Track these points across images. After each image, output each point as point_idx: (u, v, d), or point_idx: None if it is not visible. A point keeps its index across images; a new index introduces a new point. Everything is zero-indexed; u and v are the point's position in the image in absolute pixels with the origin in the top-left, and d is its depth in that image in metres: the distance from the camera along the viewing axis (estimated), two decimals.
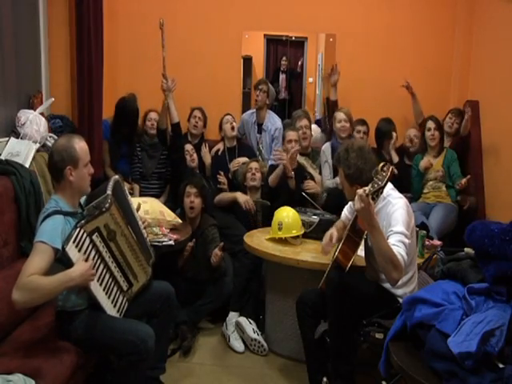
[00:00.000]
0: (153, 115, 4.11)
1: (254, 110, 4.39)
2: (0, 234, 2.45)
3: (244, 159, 4.03)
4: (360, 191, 2.07)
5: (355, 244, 2.35)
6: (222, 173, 4.00)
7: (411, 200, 3.79)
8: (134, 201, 2.65)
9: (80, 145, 2.21)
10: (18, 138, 2.94)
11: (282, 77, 5.03)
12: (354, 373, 2.38)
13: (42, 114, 3.12)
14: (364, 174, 2.35)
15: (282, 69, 5.01)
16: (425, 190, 4.06)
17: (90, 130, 3.52)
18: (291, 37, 4.87)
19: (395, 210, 2.30)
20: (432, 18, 4.60)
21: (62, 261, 2.01)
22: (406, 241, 2.24)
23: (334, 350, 2.37)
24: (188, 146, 4.02)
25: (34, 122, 2.99)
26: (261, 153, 4.30)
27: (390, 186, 2.41)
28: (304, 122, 4.14)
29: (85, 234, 2.05)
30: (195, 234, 3.42)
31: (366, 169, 2.36)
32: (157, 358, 2.43)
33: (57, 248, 1.99)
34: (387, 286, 2.40)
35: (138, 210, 2.54)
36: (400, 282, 2.37)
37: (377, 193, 2.11)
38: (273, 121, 4.31)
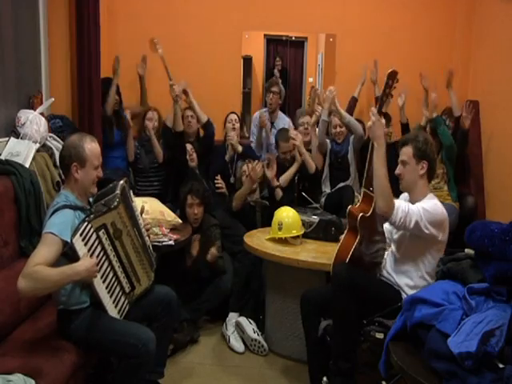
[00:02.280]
0: (151, 115, 4.12)
1: (266, 109, 4.44)
2: (0, 234, 2.45)
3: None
4: (372, 108, 2.37)
5: (355, 233, 2.43)
6: (219, 177, 3.99)
7: None
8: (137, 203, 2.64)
9: (90, 146, 2.23)
10: (18, 138, 2.93)
11: (277, 75, 5.02)
12: (355, 371, 2.37)
13: (42, 114, 3.11)
14: (431, 153, 2.43)
15: (278, 68, 5.01)
16: None
17: (90, 130, 3.52)
18: (291, 37, 4.87)
19: (432, 203, 2.35)
20: (432, 18, 4.60)
21: (67, 255, 2.02)
22: (416, 217, 2.26)
23: (336, 347, 2.37)
24: (188, 146, 4.04)
25: (34, 121, 2.99)
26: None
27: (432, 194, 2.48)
28: (306, 118, 4.21)
29: (92, 229, 2.06)
30: (196, 233, 3.43)
31: (433, 151, 2.45)
32: (156, 362, 2.42)
33: (65, 240, 2.01)
34: (401, 284, 2.42)
35: (142, 212, 2.54)
36: (413, 283, 2.39)
37: (385, 98, 2.42)
38: (284, 120, 4.39)
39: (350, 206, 2.56)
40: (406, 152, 2.45)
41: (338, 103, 3.98)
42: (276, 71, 4.97)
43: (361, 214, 2.42)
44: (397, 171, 2.48)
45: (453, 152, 3.98)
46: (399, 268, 2.45)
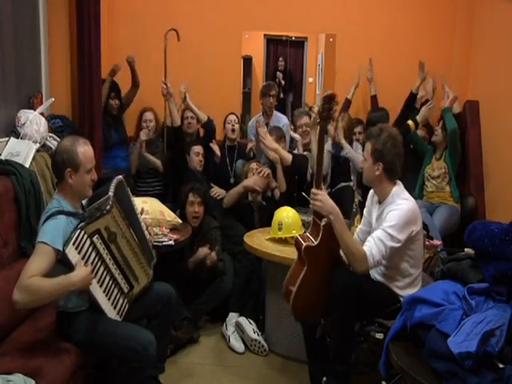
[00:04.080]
0: (148, 115, 4.12)
1: (260, 114, 4.43)
2: (0, 234, 2.45)
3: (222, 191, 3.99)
4: (312, 190, 2.31)
5: (302, 262, 2.37)
6: (214, 187, 3.95)
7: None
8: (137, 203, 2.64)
9: (83, 150, 2.17)
10: (18, 138, 2.93)
11: (280, 75, 5.04)
12: (350, 373, 2.36)
13: (42, 114, 3.11)
14: (389, 156, 2.35)
15: (279, 69, 5.02)
16: (429, 189, 4.08)
17: (90, 130, 3.52)
18: (291, 37, 4.87)
19: (395, 210, 2.30)
20: (432, 18, 4.61)
21: (63, 262, 2.01)
22: (389, 243, 2.24)
23: (334, 350, 2.36)
24: (199, 148, 3.98)
25: (34, 122, 2.99)
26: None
27: (400, 186, 2.42)
28: (304, 119, 4.17)
29: (85, 236, 2.05)
30: (197, 235, 3.42)
31: (392, 152, 2.36)
32: (156, 359, 2.42)
33: (58, 249, 2.00)
34: (392, 286, 2.41)
35: (141, 214, 2.54)
36: (402, 284, 2.39)
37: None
38: (279, 119, 4.36)
39: (297, 235, 2.45)
40: (367, 148, 2.43)
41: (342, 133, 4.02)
42: (279, 73, 4.98)
43: (304, 245, 2.32)
44: (359, 163, 2.44)
45: (455, 140, 3.95)
46: (386, 273, 2.44)
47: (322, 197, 2.30)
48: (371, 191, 2.56)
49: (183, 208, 3.47)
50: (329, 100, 2.33)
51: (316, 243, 2.34)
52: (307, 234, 2.43)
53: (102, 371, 2.48)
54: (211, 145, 4.10)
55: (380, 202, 2.45)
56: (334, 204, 2.31)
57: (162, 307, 2.48)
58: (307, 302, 2.37)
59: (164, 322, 2.50)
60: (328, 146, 4.04)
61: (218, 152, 4.10)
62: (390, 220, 2.27)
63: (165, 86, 3.86)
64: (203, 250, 3.33)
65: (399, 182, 2.43)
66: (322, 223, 2.35)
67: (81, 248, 2.03)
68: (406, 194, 2.40)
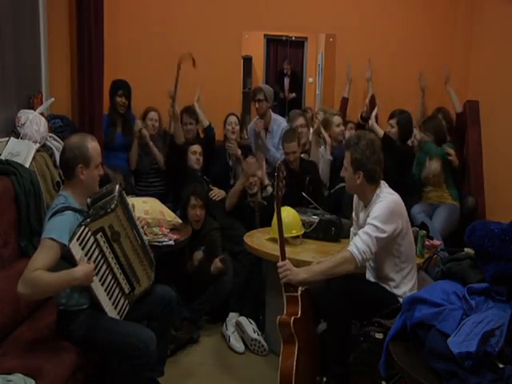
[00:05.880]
0: (152, 115, 4.11)
1: (258, 117, 4.42)
2: (0, 234, 2.45)
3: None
4: (278, 264, 2.38)
5: (292, 342, 2.34)
6: (214, 189, 3.94)
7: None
8: (132, 201, 2.65)
9: (92, 145, 2.22)
10: (18, 138, 2.94)
11: (287, 80, 5.04)
12: (349, 373, 2.37)
13: (42, 114, 3.12)
14: (369, 163, 2.36)
15: (285, 72, 5.02)
16: (427, 189, 4.07)
17: (90, 130, 3.53)
18: (291, 37, 4.88)
19: (379, 202, 2.34)
20: (432, 18, 4.61)
21: (66, 259, 2.02)
22: (374, 234, 2.26)
23: (330, 352, 2.36)
24: (197, 147, 3.99)
25: (34, 122, 2.99)
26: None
27: (384, 185, 2.44)
28: (300, 120, 4.16)
29: (89, 233, 2.06)
30: (197, 236, 3.42)
31: (372, 159, 2.36)
32: (156, 361, 2.41)
33: (64, 244, 2.01)
34: (387, 286, 2.41)
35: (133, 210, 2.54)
36: (396, 280, 2.40)
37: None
38: (278, 122, 4.34)
39: (278, 317, 2.36)
40: (346, 157, 2.43)
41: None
42: (286, 79, 4.98)
43: (293, 319, 2.29)
44: (341, 173, 2.49)
45: (446, 159, 3.97)
46: (379, 275, 2.45)
47: (288, 266, 2.35)
48: (355, 196, 2.59)
49: (184, 209, 3.48)
50: (278, 169, 2.42)
51: (300, 315, 2.34)
52: (286, 312, 2.39)
53: (101, 371, 2.48)
54: None
55: (366, 206, 2.47)
56: (297, 269, 2.36)
57: (163, 309, 2.48)
58: (305, 375, 2.37)
59: (164, 324, 2.50)
60: (327, 154, 4.06)
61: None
62: (374, 212, 2.31)
63: (171, 110, 3.92)
64: (197, 255, 3.34)
65: (382, 183, 2.44)
66: (299, 293, 2.38)
67: (84, 244, 2.04)
68: (390, 190, 2.42)
